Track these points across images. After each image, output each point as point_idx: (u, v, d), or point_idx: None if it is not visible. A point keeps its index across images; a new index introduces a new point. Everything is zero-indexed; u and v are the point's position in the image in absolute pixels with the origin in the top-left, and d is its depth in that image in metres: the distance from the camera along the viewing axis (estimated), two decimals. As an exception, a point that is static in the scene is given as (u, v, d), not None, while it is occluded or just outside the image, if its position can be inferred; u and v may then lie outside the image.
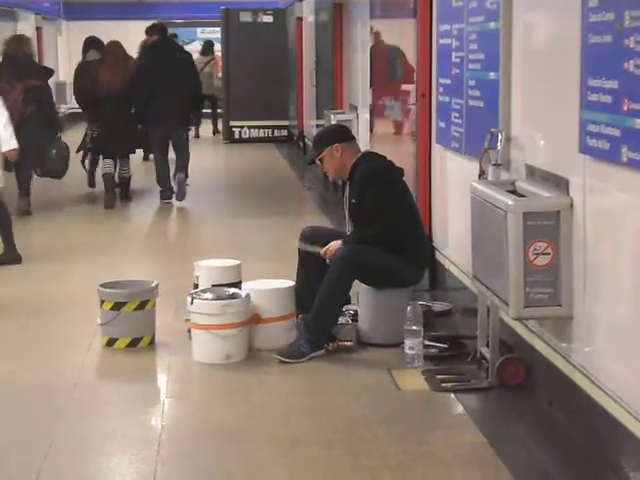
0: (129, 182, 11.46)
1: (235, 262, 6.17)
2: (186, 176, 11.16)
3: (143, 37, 11.77)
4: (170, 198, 11.10)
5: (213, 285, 5.85)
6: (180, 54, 11.34)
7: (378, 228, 5.68)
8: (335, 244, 5.71)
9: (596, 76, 3.98)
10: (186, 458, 4.32)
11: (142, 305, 5.77)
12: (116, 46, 11.20)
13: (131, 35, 15.20)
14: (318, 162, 5.99)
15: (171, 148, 11.25)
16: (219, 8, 18.59)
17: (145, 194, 11.82)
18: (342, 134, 6.02)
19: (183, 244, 8.99)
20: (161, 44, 11.21)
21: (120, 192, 11.29)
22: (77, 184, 11.93)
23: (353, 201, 5.88)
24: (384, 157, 6.00)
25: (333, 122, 10.17)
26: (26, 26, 19.45)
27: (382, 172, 5.83)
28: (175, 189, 11.01)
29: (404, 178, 5.98)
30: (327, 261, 5.72)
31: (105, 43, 11.47)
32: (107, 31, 16.03)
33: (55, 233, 9.53)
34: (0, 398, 5.07)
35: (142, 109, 10.77)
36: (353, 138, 6.07)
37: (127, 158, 11.34)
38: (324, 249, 5.75)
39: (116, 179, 11.24)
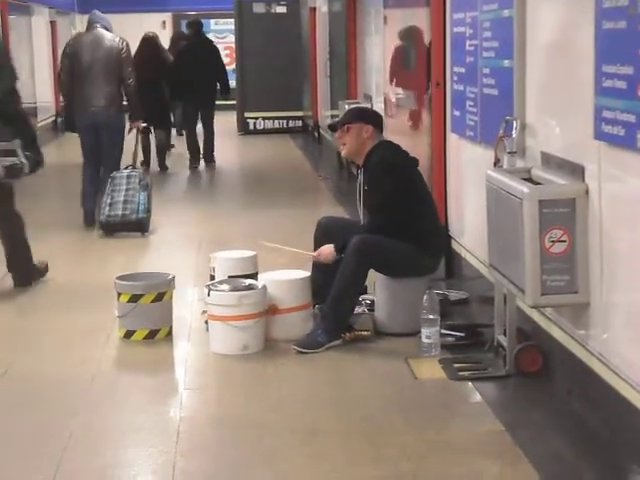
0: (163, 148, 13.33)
1: (251, 253, 6.18)
2: (212, 147, 13.83)
3: (156, 29, 12.69)
4: (197, 165, 13.68)
5: (229, 276, 5.87)
6: (210, 46, 13.96)
7: (385, 219, 5.68)
8: (326, 248, 5.72)
9: (610, 62, 3.97)
10: (205, 449, 4.34)
11: (159, 297, 5.79)
12: (146, 40, 13.27)
13: (144, 28, 15.19)
14: (339, 133, 5.94)
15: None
16: (232, -1, 18.59)
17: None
18: (379, 121, 6.02)
19: (199, 235, 8.99)
20: (196, 37, 13.90)
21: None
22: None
23: (366, 188, 5.88)
24: (399, 146, 6.00)
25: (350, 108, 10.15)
26: (40, 20, 19.48)
27: (393, 162, 5.81)
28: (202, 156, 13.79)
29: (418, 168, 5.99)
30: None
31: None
32: (121, 24, 16.04)
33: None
34: (19, 391, 5.10)
35: (179, 88, 13.12)
36: (382, 131, 6.05)
37: (161, 130, 13.15)
38: (316, 253, 5.76)
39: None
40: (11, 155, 6.62)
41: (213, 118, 13.85)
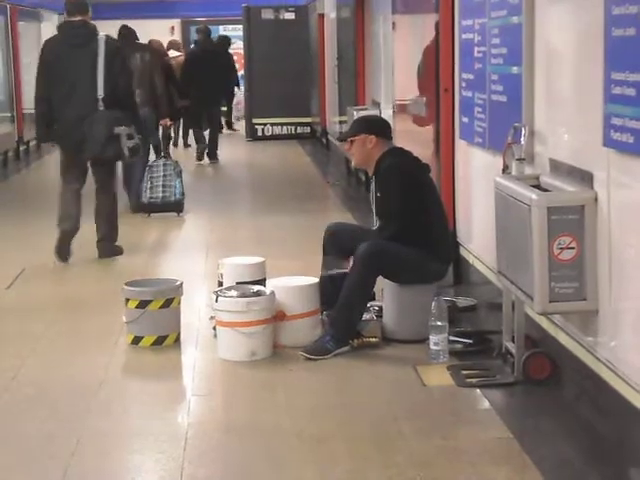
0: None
1: (259, 259, 6.19)
2: (216, 145, 15.01)
3: (165, 36, 13.10)
4: (202, 159, 14.90)
5: (237, 282, 5.87)
6: (217, 50, 15.52)
7: (398, 226, 5.68)
8: None
9: (620, 69, 3.96)
10: (213, 455, 4.34)
11: (167, 303, 5.79)
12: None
13: (153, 34, 15.24)
14: (347, 145, 5.96)
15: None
16: (241, 5, 18.59)
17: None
18: (384, 130, 5.99)
19: (207, 242, 9.01)
20: (204, 42, 15.15)
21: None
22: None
23: (378, 195, 5.89)
24: (410, 153, 5.99)
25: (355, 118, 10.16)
26: (49, 26, 19.51)
27: (403, 169, 5.81)
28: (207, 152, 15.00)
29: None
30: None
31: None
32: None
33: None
34: (27, 396, 5.10)
35: (189, 90, 14.08)
36: (391, 139, 6.04)
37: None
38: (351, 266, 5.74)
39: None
40: (129, 138, 7.87)
41: (219, 118, 15.32)
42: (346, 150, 6.12)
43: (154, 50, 13.39)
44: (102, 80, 7.80)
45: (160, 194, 10.32)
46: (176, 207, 10.38)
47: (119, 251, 8.28)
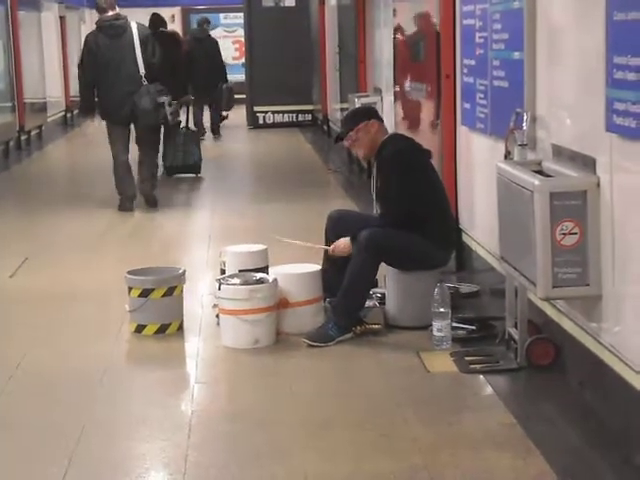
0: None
1: (261, 247, 6.19)
2: (218, 124, 16.91)
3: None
4: (203, 138, 15.55)
5: (240, 270, 5.87)
6: (211, 39, 16.70)
7: (399, 212, 5.68)
8: (342, 241, 5.71)
9: (622, 53, 3.95)
10: (217, 442, 4.34)
11: (170, 291, 5.79)
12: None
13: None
14: (346, 142, 5.96)
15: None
16: (241, -7, 18.57)
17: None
18: (376, 114, 6.05)
19: (209, 230, 9.01)
20: (200, 33, 16.56)
21: None
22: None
23: (379, 182, 5.88)
24: (411, 139, 5.99)
25: (357, 105, 10.17)
26: (50, 15, 19.48)
27: (406, 154, 5.81)
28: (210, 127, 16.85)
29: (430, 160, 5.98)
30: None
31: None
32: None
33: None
34: (32, 384, 5.11)
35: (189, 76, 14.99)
36: (383, 121, 6.07)
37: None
38: (332, 247, 5.75)
39: None
40: (169, 105, 9.64)
41: (220, 101, 16.37)
42: (350, 147, 6.09)
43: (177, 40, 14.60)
44: (141, 60, 9.46)
45: (181, 157, 12.06)
46: (194, 169, 12.18)
47: (157, 201, 9.96)
